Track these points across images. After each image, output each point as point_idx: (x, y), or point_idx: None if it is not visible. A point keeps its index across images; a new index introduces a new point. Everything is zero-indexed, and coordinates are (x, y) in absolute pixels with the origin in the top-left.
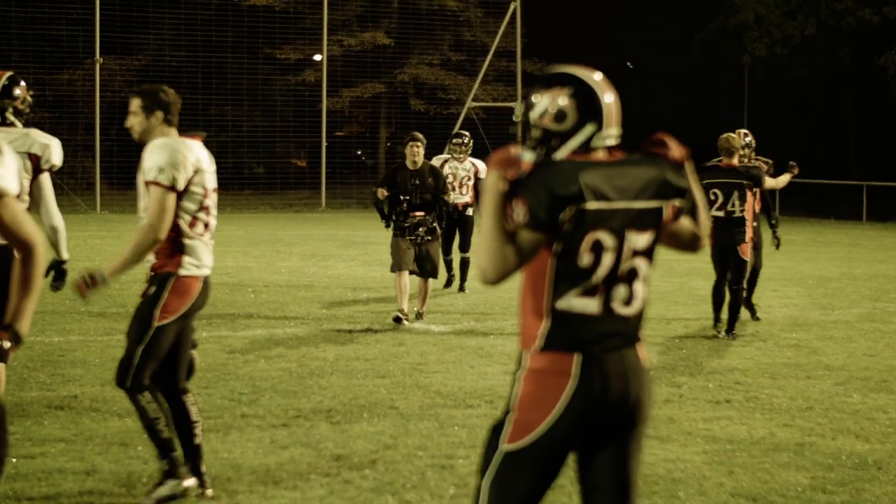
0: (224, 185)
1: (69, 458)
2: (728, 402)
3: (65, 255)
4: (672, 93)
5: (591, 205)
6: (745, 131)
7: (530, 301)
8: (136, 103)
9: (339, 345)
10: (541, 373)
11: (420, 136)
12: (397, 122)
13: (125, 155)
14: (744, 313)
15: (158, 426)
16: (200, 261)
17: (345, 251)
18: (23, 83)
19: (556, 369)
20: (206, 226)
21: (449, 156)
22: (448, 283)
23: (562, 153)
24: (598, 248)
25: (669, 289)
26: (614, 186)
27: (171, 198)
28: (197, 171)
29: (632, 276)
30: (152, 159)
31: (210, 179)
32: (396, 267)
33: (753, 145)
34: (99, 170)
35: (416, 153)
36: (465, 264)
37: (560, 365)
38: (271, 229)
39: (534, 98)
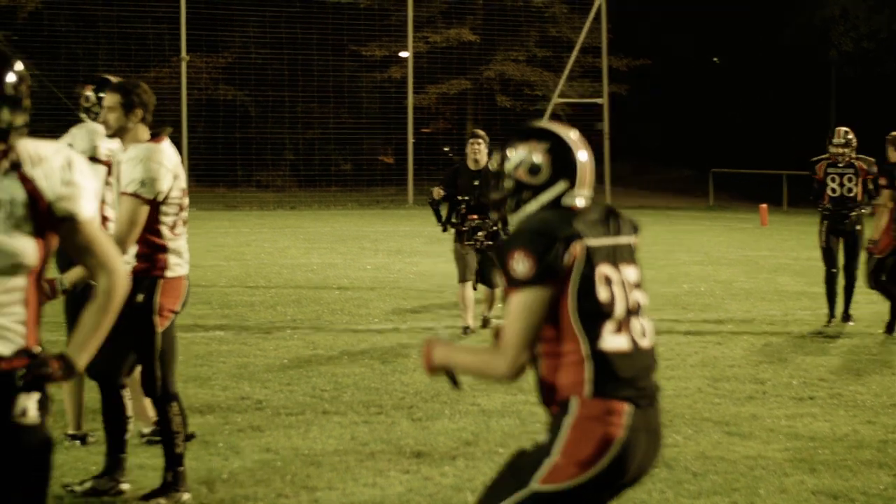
0: (311, 183)
1: (150, 454)
2: (811, 398)
3: None
4: (758, 88)
5: (591, 241)
6: (846, 129)
7: (563, 349)
8: (114, 99)
9: (422, 342)
10: (591, 421)
11: (482, 133)
12: (483, 119)
13: (212, 152)
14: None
15: (177, 440)
16: (182, 258)
17: (431, 248)
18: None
19: (606, 420)
20: (185, 223)
21: None
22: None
23: (532, 206)
24: (609, 283)
25: (756, 285)
26: (598, 226)
27: (146, 210)
28: (175, 177)
29: (638, 308)
30: (136, 171)
31: (184, 179)
32: (461, 277)
33: (854, 144)
34: (186, 167)
35: (477, 151)
36: None
37: (611, 416)
38: (357, 226)
39: (511, 149)
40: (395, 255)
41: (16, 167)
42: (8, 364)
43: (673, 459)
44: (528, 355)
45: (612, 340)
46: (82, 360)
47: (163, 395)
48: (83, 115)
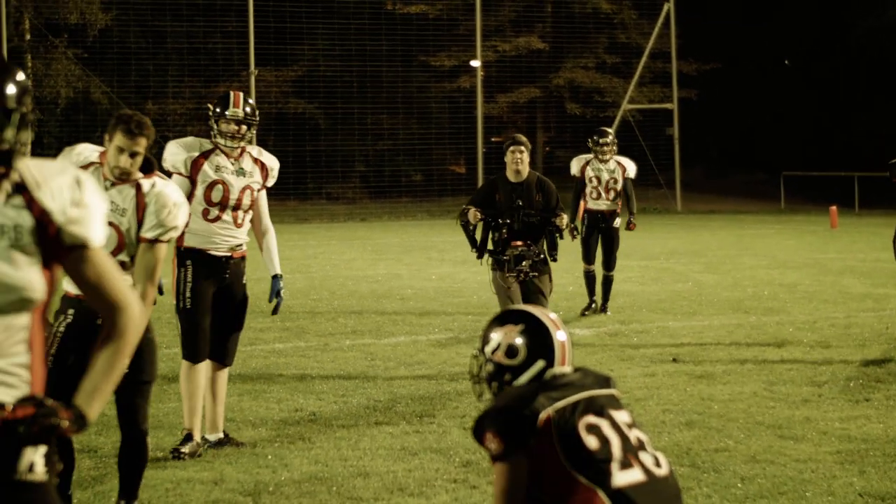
0: (382, 193)
1: (199, 467)
2: (867, 400)
3: (278, 269)
4: (829, 90)
5: (560, 404)
6: None
7: (581, 499)
8: (145, 144)
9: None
10: None
11: (524, 139)
12: (554, 126)
13: (283, 165)
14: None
15: None
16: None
17: None
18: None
19: None
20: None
21: (591, 156)
22: (588, 307)
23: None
24: (595, 429)
25: (820, 288)
26: (570, 386)
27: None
28: None
29: (642, 444)
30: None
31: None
32: None
33: None
34: None
35: (518, 161)
36: (608, 283)
37: None
38: (427, 236)
39: (489, 334)
40: (460, 265)
41: (20, 190)
42: (11, 413)
43: (722, 464)
44: None
45: (624, 476)
46: (94, 409)
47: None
48: None
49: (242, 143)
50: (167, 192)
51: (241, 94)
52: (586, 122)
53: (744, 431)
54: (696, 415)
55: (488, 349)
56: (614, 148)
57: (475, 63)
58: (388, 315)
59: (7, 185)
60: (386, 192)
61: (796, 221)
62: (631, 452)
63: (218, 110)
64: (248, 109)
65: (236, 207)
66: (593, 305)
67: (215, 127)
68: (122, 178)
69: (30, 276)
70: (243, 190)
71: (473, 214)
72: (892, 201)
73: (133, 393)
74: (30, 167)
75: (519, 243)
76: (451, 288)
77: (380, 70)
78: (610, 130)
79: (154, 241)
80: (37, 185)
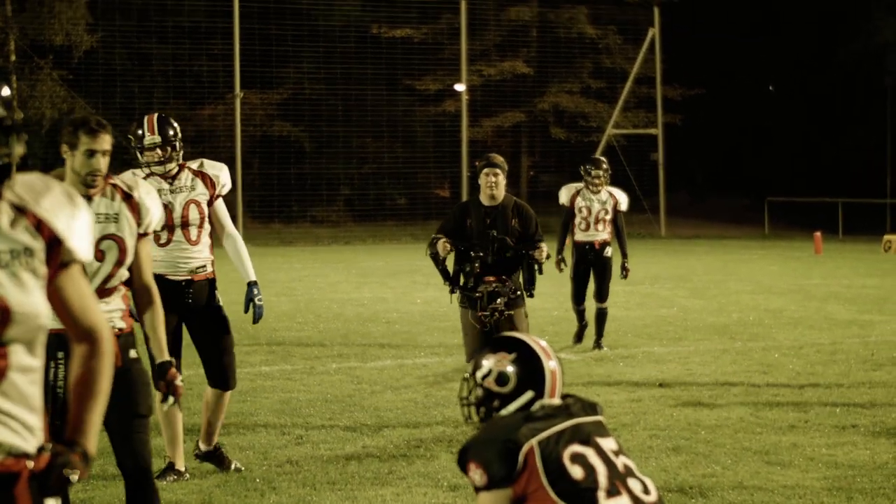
0: (366, 217)
1: (186, 490)
2: (854, 426)
3: (252, 275)
4: (814, 115)
5: (544, 434)
6: None
7: None
8: (110, 140)
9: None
10: None
11: (499, 159)
12: (539, 151)
13: (267, 188)
14: (867, 342)
15: None
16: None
17: None
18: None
19: None
20: None
21: (582, 185)
22: (579, 338)
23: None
24: (580, 459)
25: (805, 314)
26: (556, 416)
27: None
28: None
29: (629, 471)
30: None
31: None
32: (470, 359)
33: None
34: (241, 203)
35: (493, 185)
36: (601, 316)
37: None
38: (411, 260)
39: (481, 360)
40: (445, 289)
41: (22, 210)
42: (36, 464)
43: (710, 490)
44: None
45: (612, 503)
46: (92, 443)
47: None
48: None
49: (172, 165)
50: (141, 182)
51: (156, 117)
52: (571, 146)
53: (731, 457)
54: (683, 440)
55: (479, 374)
56: (607, 178)
57: (460, 87)
58: (374, 338)
59: (5, 206)
60: (370, 216)
61: (781, 247)
62: (619, 479)
63: (136, 142)
64: (170, 132)
65: (184, 225)
66: (585, 329)
67: (140, 157)
68: (94, 185)
69: (41, 300)
70: (186, 206)
71: (443, 246)
72: (875, 227)
73: (131, 429)
74: (22, 182)
75: (492, 278)
76: (436, 312)
77: (365, 93)
78: (604, 160)
79: (144, 235)
80: (35, 202)
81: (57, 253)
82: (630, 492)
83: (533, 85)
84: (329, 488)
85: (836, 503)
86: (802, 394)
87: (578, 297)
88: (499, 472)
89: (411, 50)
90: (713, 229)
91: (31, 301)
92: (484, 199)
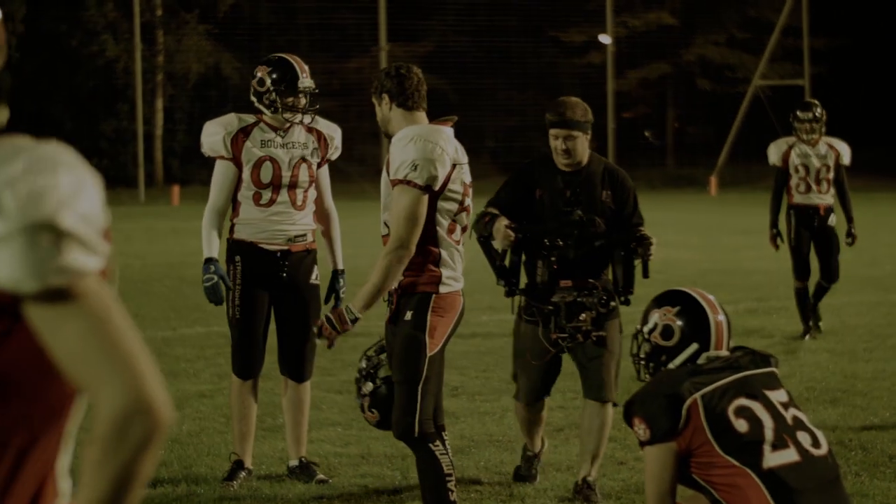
0: (511, 169)
1: (345, 441)
2: None
3: (340, 263)
4: None
5: (708, 388)
6: None
7: (737, 483)
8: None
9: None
10: None
11: (576, 110)
12: (684, 103)
13: None
14: None
15: (450, 484)
16: (457, 272)
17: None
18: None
19: None
20: (464, 230)
21: (794, 139)
22: (805, 332)
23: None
24: (746, 412)
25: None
26: (724, 370)
27: (425, 201)
28: (455, 165)
29: (799, 423)
30: (404, 154)
31: (467, 172)
32: (521, 394)
33: None
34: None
35: (568, 150)
36: (820, 293)
37: None
38: None
39: (648, 314)
40: None
41: None
42: None
43: (870, 442)
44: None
45: (777, 457)
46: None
47: (424, 432)
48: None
49: (308, 119)
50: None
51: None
52: (717, 97)
53: (889, 410)
54: (840, 392)
55: (646, 329)
56: (823, 127)
57: (605, 39)
58: None
59: None
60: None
61: None
62: (786, 432)
63: (281, 82)
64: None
65: (292, 186)
66: (808, 335)
67: (279, 100)
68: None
69: None
70: (297, 164)
71: (505, 234)
72: None
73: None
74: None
75: (569, 283)
76: None
77: (509, 45)
78: (816, 103)
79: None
80: None
81: None
82: (798, 444)
83: (679, 36)
84: (487, 440)
85: None
86: None
87: (802, 271)
88: (662, 426)
89: (556, 1)
90: (859, 181)
91: None
92: (558, 162)
